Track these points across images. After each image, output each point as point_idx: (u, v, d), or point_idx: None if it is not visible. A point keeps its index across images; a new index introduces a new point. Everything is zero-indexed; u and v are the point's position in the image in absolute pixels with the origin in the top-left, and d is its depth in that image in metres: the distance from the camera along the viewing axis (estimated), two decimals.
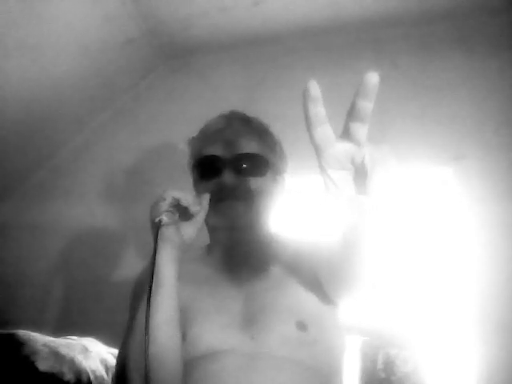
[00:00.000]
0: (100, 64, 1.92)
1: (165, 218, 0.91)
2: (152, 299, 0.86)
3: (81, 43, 1.78)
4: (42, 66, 1.74)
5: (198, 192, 1.08)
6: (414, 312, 1.65)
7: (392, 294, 1.05)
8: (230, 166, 1.03)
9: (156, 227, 0.91)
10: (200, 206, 0.96)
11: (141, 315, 0.89)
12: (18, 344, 1.23)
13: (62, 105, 1.94)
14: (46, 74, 1.79)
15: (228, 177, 1.02)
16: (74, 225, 2.04)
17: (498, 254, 1.64)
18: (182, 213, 0.94)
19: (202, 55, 2.12)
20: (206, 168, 1.06)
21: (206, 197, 0.98)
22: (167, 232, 0.92)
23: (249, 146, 1.06)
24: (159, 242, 0.91)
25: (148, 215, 0.94)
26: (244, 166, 1.04)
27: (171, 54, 2.13)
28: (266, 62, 2.05)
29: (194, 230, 0.96)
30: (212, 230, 1.10)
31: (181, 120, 2.06)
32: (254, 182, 1.04)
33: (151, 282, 0.87)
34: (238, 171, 1.03)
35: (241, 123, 1.10)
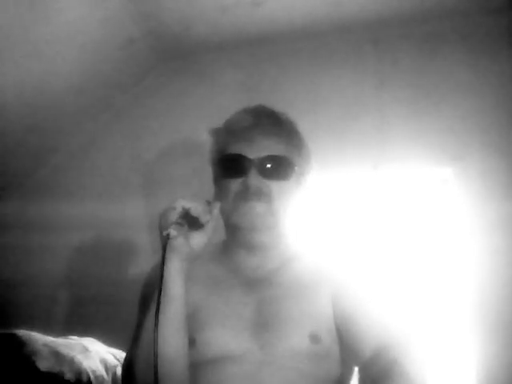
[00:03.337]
0: (100, 64, 1.92)
1: (173, 232, 0.89)
2: (159, 314, 0.85)
3: (81, 43, 1.78)
4: (42, 66, 1.75)
5: (218, 188, 1.06)
6: (414, 312, 1.65)
7: (392, 294, 1.05)
8: (256, 167, 1.00)
9: (164, 240, 0.90)
10: (210, 215, 0.94)
11: (148, 326, 0.89)
12: (18, 344, 1.23)
13: (63, 105, 1.94)
14: (47, 74, 1.79)
15: (253, 178, 0.99)
16: (75, 224, 2.04)
17: (497, 253, 1.64)
18: (192, 222, 0.92)
19: (202, 55, 2.11)
20: (231, 166, 1.03)
21: (217, 205, 0.96)
22: (176, 243, 0.90)
23: (277, 148, 1.03)
24: (167, 253, 0.90)
25: (157, 224, 0.92)
26: (270, 168, 1.01)
27: (171, 54, 2.13)
28: (266, 61, 2.05)
29: (203, 240, 0.94)
30: (230, 228, 1.07)
31: (181, 120, 2.06)
32: (278, 186, 1.02)
33: (159, 295, 0.86)
34: (264, 173, 1.01)
35: (270, 122, 1.07)
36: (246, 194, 1.00)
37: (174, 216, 0.90)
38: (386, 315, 0.98)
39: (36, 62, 1.71)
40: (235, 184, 1.01)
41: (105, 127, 2.17)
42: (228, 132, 1.07)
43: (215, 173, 1.09)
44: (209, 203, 0.96)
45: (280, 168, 1.02)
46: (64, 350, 1.28)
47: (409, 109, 1.86)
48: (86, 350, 1.35)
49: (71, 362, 1.26)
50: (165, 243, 0.89)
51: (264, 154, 1.01)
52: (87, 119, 2.14)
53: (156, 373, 0.81)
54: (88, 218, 2.02)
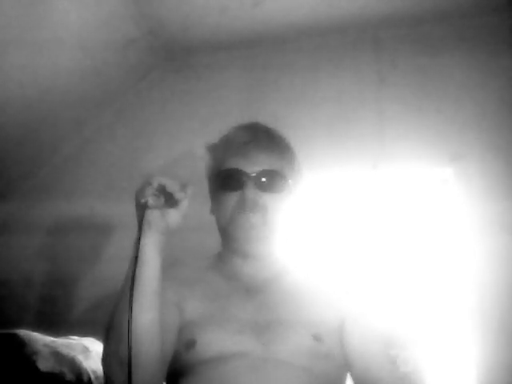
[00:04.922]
0: (100, 64, 1.92)
1: (150, 200, 0.92)
2: (135, 285, 0.88)
3: (81, 43, 1.78)
4: (42, 66, 1.74)
5: (216, 200, 1.11)
6: (414, 312, 1.65)
7: (392, 294, 1.06)
8: (252, 181, 1.06)
9: (141, 209, 0.93)
10: (185, 193, 0.97)
11: (122, 306, 0.92)
12: (19, 344, 1.23)
13: (63, 105, 1.94)
14: (46, 73, 1.79)
15: (250, 191, 1.05)
16: (75, 225, 2.04)
17: (497, 253, 1.64)
18: (168, 199, 0.96)
19: (202, 55, 2.11)
20: (229, 180, 1.08)
21: (191, 187, 0.99)
22: (152, 216, 0.94)
23: (271, 162, 1.09)
24: (144, 225, 0.93)
25: (134, 199, 0.95)
26: (265, 182, 1.07)
27: (171, 55, 2.13)
28: (266, 62, 2.05)
29: (178, 217, 0.97)
30: (227, 238, 1.12)
31: (181, 120, 2.06)
32: (273, 198, 1.07)
33: (135, 265, 0.89)
34: (260, 186, 1.06)
35: (265, 138, 1.13)
36: (242, 206, 1.05)
37: (150, 189, 0.93)
38: (388, 316, 1.01)
39: (36, 63, 1.71)
40: (232, 197, 1.07)
41: (105, 127, 2.17)
42: (225, 148, 1.13)
43: (212, 186, 1.14)
44: (184, 185, 0.99)
45: (275, 181, 1.08)
46: (64, 350, 1.29)
47: (408, 108, 1.86)
48: (86, 350, 1.35)
49: (72, 362, 1.26)
50: (142, 214, 0.93)
51: (260, 168, 1.07)
52: (87, 119, 2.13)
53: (129, 349, 0.83)
54: (88, 218, 2.03)
